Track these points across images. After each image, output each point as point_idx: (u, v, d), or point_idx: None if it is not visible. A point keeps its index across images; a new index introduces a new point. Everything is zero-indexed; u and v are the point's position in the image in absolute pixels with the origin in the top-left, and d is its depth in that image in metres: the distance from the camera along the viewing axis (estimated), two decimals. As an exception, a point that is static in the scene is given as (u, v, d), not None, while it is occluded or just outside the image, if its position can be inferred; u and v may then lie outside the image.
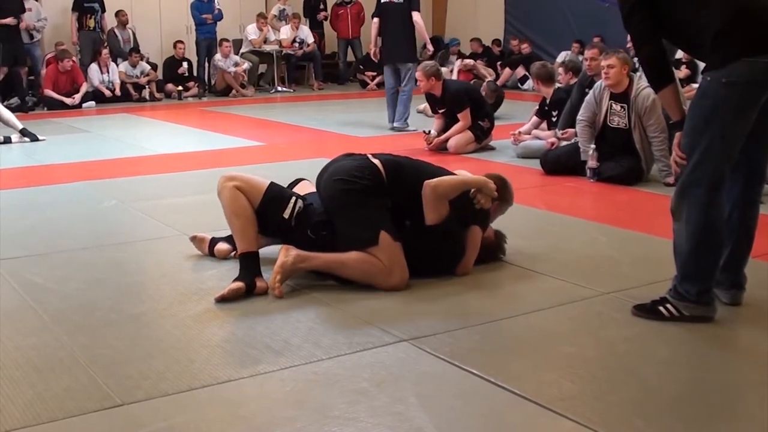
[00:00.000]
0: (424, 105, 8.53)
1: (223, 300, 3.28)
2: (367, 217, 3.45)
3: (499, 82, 11.63)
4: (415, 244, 3.49)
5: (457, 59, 13.70)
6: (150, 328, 3.04)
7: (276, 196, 3.55)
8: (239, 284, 3.34)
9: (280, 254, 3.39)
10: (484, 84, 9.58)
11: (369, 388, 2.51)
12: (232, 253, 3.77)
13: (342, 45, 14.86)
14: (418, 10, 8.65)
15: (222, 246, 3.87)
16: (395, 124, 8.68)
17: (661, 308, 3.05)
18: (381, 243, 3.38)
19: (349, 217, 3.46)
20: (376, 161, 3.58)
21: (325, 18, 14.78)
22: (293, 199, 3.56)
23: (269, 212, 3.51)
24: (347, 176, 3.49)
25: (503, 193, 3.83)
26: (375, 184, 3.49)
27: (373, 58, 9.45)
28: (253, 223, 3.47)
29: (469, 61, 10.64)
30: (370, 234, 3.39)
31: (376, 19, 8.86)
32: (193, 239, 3.96)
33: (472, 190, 3.59)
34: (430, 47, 9.75)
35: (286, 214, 3.51)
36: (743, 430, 2.29)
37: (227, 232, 3.77)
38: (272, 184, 3.59)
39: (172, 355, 2.77)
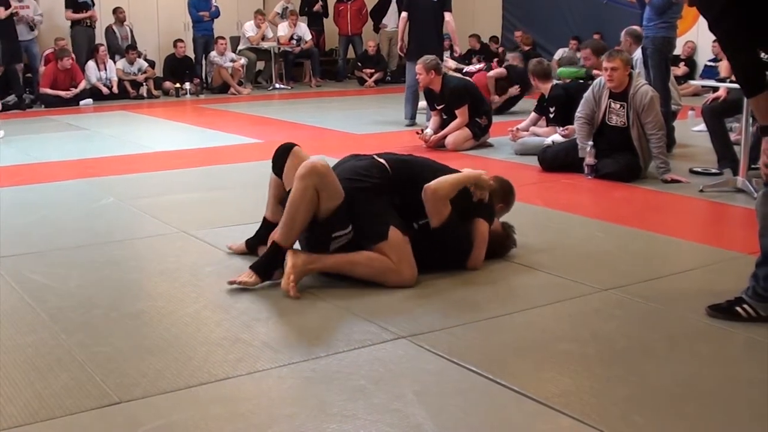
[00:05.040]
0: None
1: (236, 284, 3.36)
2: (376, 213, 3.47)
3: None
4: (422, 242, 3.51)
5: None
6: (148, 325, 3.04)
7: (341, 216, 3.41)
8: (257, 279, 3.37)
9: (288, 257, 3.36)
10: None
11: (367, 385, 2.51)
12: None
13: (343, 42, 14.87)
14: (450, 10, 8.59)
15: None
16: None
17: (738, 309, 3.01)
18: (390, 238, 3.40)
19: (358, 213, 3.46)
20: (381, 160, 3.62)
21: (323, 13, 14.72)
22: (350, 227, 3.42)
23: (326, 225, 3.41)
24: (354, 175, 3.53)
25: (508, 198, 3.93)
26: (383, 182, 3.53)
27: (399, 53, 9.44)
28: (305, 224, 3.39)
29: (502, 71, 10.41)
30: (379, 229, 3.41)
31: (404, 14, 8.80)
32: (230, 248, 3.94)
33: (471, 186, 3.64)
34: (458, 48, 9.74)
35: (334, 235, 3.41)
36: (742, 426, 2.29)
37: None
38: (344, 202, 3.42)
39: (170, 352, 2.76)
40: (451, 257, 3.63)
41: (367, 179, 3.52)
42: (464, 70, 10.45)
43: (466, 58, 13.39)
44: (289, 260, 3.34)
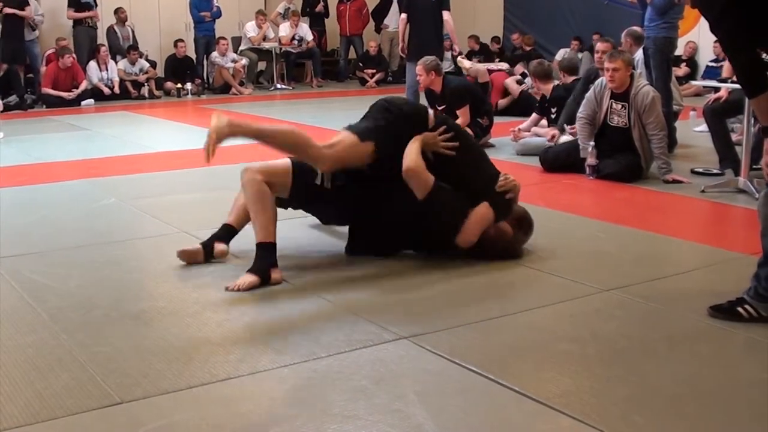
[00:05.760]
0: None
1: (236, 290, 3.37)
2: (378, 130, 3.58)
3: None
4: (413, 214, 3.59)
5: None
6: (149, 326, 3.04)
7: (304, 169, 3.66)
8: (254, 278, 3.40)
9: (213, 118, 3.32)
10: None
11: (368, 385, 2.51)
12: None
13: (344, 42, 14.88)
14: (449, 10, 8.58)
15: (220, 246, 3.77)
16: None
17: (740, 309, 3.01)
18: (363, 140, 3.55)
19: (369, 121, 3.63)
20: (431, 111, 3.75)
21: (325, 13, 14.73)
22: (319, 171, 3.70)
23: (303, 186, 3.67)
24: (395, 102, 3.68)
25: (526, 227, 3.86)
26: (415, 122, 3.63)
27: (401, 54, 9.42)
28: (275, 218, 3.55)
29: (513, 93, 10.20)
30: (366, 134, 3.55)
31: (403, 15, 8.78)
32: (182, 254, 3.72)
33: (501, 177, 3.73)
34: (458, 47, 9.70)
35: (318, 181, 3.70)
36: (742, 426, 2.29)
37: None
38: (293, 163, 3.68)
39: (171, 353, 2.76)
40: (441, 229, 3.65)
41: (401, 109, 3.66)
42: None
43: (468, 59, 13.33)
44: (214, 120, 3.29)
